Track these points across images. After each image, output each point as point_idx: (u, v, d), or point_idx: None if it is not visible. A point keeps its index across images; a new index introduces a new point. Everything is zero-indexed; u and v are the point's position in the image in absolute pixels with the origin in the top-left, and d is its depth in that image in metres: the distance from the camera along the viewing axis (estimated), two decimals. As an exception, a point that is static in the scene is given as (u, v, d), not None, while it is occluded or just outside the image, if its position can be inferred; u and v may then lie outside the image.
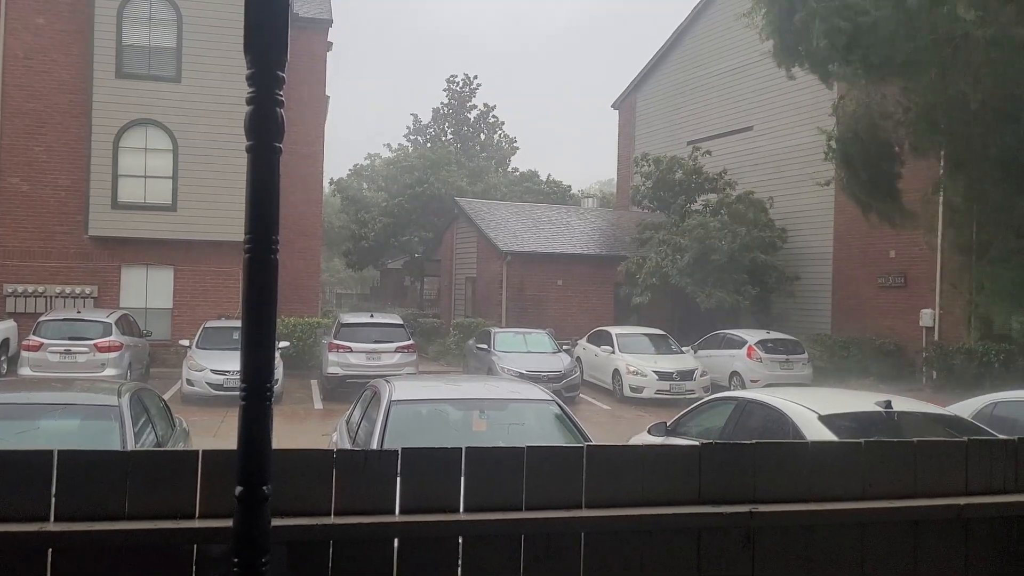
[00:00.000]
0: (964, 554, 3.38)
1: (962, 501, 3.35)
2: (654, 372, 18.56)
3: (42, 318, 17.10)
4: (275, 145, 2.21)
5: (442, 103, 55.53)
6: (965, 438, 3.56)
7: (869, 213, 14.86)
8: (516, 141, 55.67)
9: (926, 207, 14.96)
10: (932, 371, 20.85)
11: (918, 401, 8.20)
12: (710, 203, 25.49)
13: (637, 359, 19.15)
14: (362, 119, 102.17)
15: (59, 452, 2.63)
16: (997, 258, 12.71)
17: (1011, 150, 11.49)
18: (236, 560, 2.20)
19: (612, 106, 36.11)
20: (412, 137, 55.17)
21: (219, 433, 13.15)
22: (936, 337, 21.42)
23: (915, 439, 3.47)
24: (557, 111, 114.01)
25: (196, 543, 2.65)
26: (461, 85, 55.27)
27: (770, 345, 20.03)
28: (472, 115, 55.20)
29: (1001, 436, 4.47)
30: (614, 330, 21.08)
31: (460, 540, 2.88)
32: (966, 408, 8.63)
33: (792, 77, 13.97)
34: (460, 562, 2.87)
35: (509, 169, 52.42)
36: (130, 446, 6.02)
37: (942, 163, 14.37)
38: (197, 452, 2.73)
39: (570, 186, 49.46)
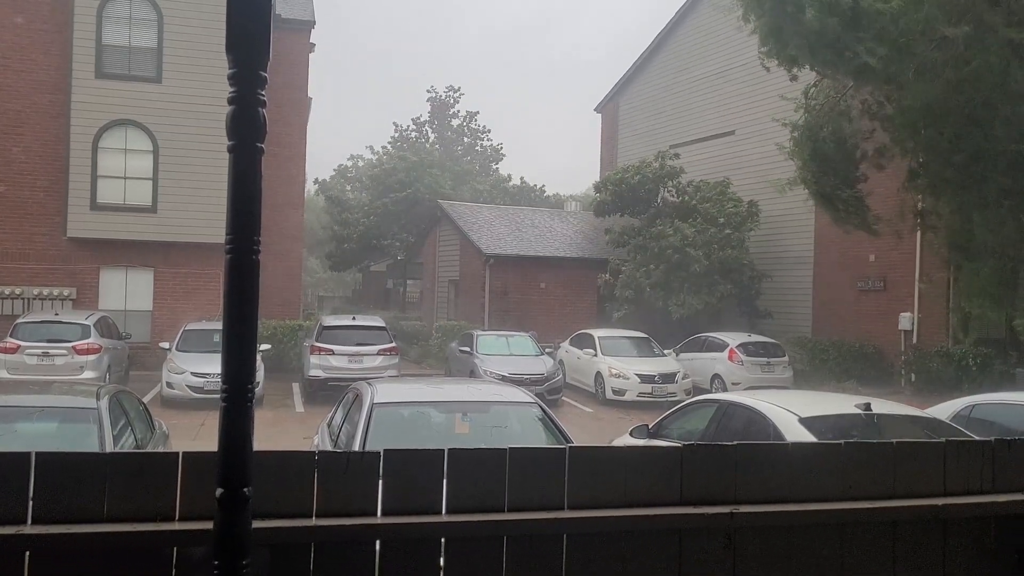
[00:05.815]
0: (942, 554, 3.42)
1: (940, 502, 3.39)
2: (636, 375, 18.61)
3: (19, 320, 16.89)
4: (257, 145, 2.20)
5: (427, 112, 55.52)
6: (943, 439, 3.60)
7: (836, 211, 15.05)
8: (501, 147, 55.71)
9: (902, 208, 15.09)
10: (911, 374, 21.03)
11: (897, 403, 8.27)
12: (679, 201, 25.57)
13: (619, 362, 19.20)
14: (345, 121, 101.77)
15: (37, 454, 2.60)
16: (974, 256, 12.85)
17: (976, 153, 11.64)
18: (217, 563, 2.18)
19: (595, 110, 36.12)
20: (398, 144, 55.09)
21: (199, 436, 13.06)
22: (915, 340, 21.60)
23: (894, 441, 3.50)
24: (546, 113, 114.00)
25: (176, 546, 2.64)
26: (443, 95, 55.22)
27: (751, 348, 20.15)
28: (455, 123, 55.16)
29: (978, 438, 4.52)
30: (596, 333, 21.12)
31: (443, 541, 2.88)
32: (944, 410, 8.70)
33: (767, 68, 14.19)
34: (443, 563, 2.87)
35: (492, 171, 52.38)
36: (109, 449, 5.97)
37: (911, 164, 14.50)
38: (177, 454, 2.71)
39: (544, 187, 49.42)
